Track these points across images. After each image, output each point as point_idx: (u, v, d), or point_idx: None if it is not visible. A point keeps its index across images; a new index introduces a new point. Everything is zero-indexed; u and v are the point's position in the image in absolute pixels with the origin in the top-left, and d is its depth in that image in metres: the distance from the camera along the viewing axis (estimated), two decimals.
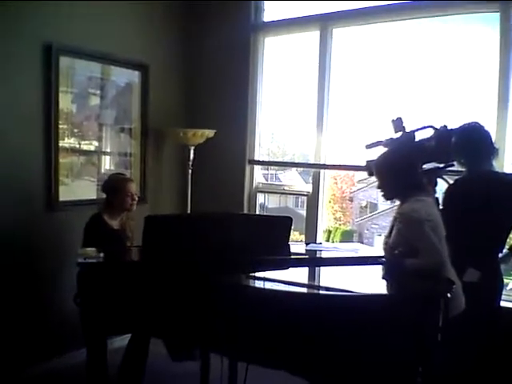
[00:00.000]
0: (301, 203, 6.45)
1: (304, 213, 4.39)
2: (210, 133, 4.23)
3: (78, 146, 3.83)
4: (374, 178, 2.76)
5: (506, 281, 2.97)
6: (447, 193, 2.88)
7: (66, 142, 3.73)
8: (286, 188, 4.89)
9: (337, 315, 2.02)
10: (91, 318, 2.76)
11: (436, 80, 3.70)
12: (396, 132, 2.93)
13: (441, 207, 2.78)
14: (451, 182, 2.93)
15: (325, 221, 4.45)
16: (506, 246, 2.91)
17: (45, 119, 3.53)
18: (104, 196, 3.38)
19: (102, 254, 2.78)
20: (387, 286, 2.62)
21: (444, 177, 2.95)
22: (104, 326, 2.68)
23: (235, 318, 2.17)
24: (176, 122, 4.46)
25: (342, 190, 8.70)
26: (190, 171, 4.34)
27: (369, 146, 3.04)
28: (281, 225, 2.98)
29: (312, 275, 2.82)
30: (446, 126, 2.87)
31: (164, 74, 4.42)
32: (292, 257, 3.00)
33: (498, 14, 3.30)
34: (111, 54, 3.92)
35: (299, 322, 2.05)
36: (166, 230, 2.73)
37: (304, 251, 3.17)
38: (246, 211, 4.37)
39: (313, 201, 4.16)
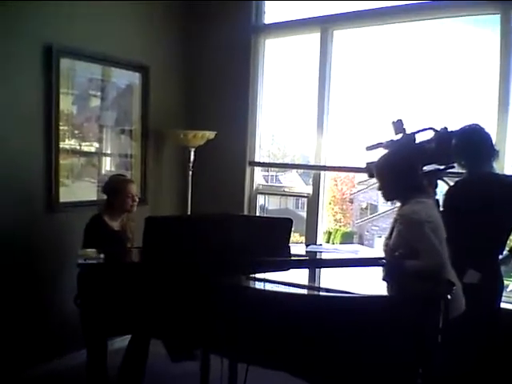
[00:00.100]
0: (301, 205, 6.45)
1: (304, 214, 4.39)
2: (210, 134, 4.23)
3: (78, 147, 3.83)
4: (374, 180, 2.76)
5: (506, 282, 2.97)
6: (447, 194, 2.88)
7: (67, 143, 3.73)
8: (286, 189, 4.89)
9: (337, 317, 2.02)
10: (91, 319, 2.76)
11: (436, 82, 3.70)
12: (396, 134, 2.93)
13: (441, 209, 2.78)
14: (451, 183, 2.93)
15: (325, 222, 4.45)
16: (506, 248, 2.91)
17: (45, 120, 3.54)
18: (104, 197, 3.38)
19: (102, 255, 2.78)
20: (387, 287, 2.62)
21: (444, 178, 2.96)
22: (104, 327, 2.68)
23: (235, 320, 2.17)
24: (176, 124, 4.46)
25: (342, 191, 8.69)
26: (190, 173, 4.34)
27: (369, 148, 3.05)
28: (281, 226, 2.99)
29: (312, 277, 2.82)
30: (446, 128, 2.88)
31: (165, 75, 4.42)
32: (292, 258, 3.00)
33: (498, 16, 3.30)
34: (112, 56, 3.93)
35: (299, 324, 2.05)
36: (167, 232, 2.73)
37: (304, 253, 3.17)
38: (246, 213, 4.37)
39: (313, 202, 4.16)
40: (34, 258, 3.50)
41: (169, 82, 4.49)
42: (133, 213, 3.39)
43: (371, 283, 2.57)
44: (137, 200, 3.39)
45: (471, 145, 2.82)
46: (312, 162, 4.22)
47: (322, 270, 2.88)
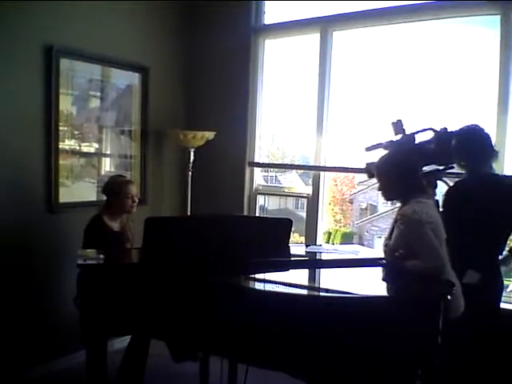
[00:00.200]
0: (301, 205, 6.44)
1: (304, 215, 4.39)
2: (210, 135, 4.23)
3: (78, 147, 3.83)
4: (374, 180, 2.77)
5: (505, 283, 2.98)
6: (447, 195, 2.88)
7: (67, 143, 3.73)
8: (286, 190, 4.90)
9: (336, 317, 2.02)
10: (91, 320, 2.75)
11: (436, 82, 3.70)
12: (396, 134, 2.94)
13: (441, 209, 2.78)
14: (451, 184, 2.93)
15: (325, 223, 4.45)
16: (506, 248, 2.91)
17: (45, 121, 3.53)
18: (104, 198, 3.38)
19: (101, 256, 2.77)
20: (387, 288, 2.62)
21: (444, 179, 2.96)
22: (104, 328, 2.67)
23: (235, 320, 2.17)
24: (176, 124, 4.47)
25: (342, 192, 8.71)
26: (190, 173, 4.34)
27: (369, 149, 3.05)
28: (281, 227, 2.99)
29: (312, 277, 2.82)
30: (446, 129, 2.88)
31: (164, 76, 4.42)
32: (292, 259, 3.00)
33: (498, 17, 3.30)
34: (111, 56, 3.92)
35: (298, 324, 2.05)
36: (166, 232, 2.73)
37: (304, 253, 3.17)
38: (246, 213, 4.37)
39: (313, 203, 4.16)
40: (34, 258, 3.50)
41: (168, 83, 4.49)
42: (132, 213, 3.39)
43: (371, 284, 2.57)
44: (136, 200, 3.39)
45: (471, 145, 2.82)
46: (312, 163, 4.22)
47: (322, 270, 2.88)
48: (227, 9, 4.35)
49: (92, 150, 3.96)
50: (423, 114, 3.60)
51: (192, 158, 4.30)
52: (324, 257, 3.17)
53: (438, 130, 2.89)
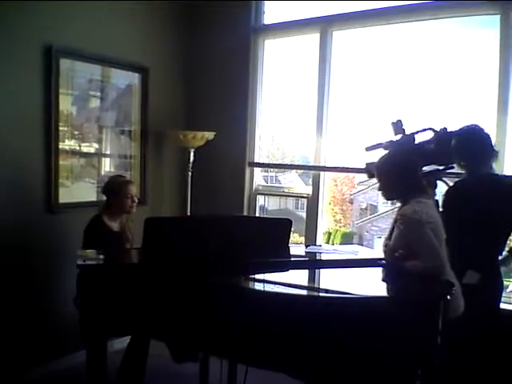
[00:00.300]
0: (301, 205, 6.44)
1: (304, 215, 4.39)
2: (209, 135, 4.23)
3: (78, 148, 3.83)
4: (374, 180, 2.77)
5: (505, 283, 2.98)
6: (447, 195, 2.88)
7: (67, 144, 3.73)
8: (286, 190, 4.88)
9: (336, 318, 2.02)
10: (91, 320, 2.75)
11: (436, 82, 3.70)
12: (396, 134, 2.94)
13: (440, 209, 2.78)
14: (451, 184, 2.93)
15: (325, 223, 4.45)
16: (506, 249, 2.91)
17: (45, 121, 3.53)
18: (104, 198, 3.38)
19: (101, 256, 2.77)
20: (387, 288, 2.62)
21: (444, 179, 2.96)
22: (104, 328, 2.67)
23: (234, 321, 2.17)
24: (176, 124, 4.47)
25: (342, 192, 8.70)
26: (189, 173, 4.34)
27: (369, 149, 3.05)
28: (281, 227, 2.99)
29: (312, 277, 2.82)
30: (445, 129, 2.88)
31: (164, 76, 4.42)
32: (292, 259, 3.00)
33: (497, 17, 3.30)
34: (111, 56, 3.92)
35: (298, 325, 2.05)
36: (166, 232, 2.73)
37: (304, 253, 3.17)
38: (246, 213, 4.37)
39: (313, 203, 4.16)
40: (34, 258, 3.50)
41: (168, 83, 4.49)
42: (132, 214, 3.39)
43: (371, 284, 2.57)
44: (136, 201, 3.39)
45: (471, 145, 2.82)
46: (312, 163, 4.22)
47: (322, 270, 2.88)
48: (227, 9, 4.35)
49: (92, 150, 3.95)
50: (423, 114, 3.60)
51: (192, 158, 4.30)
52: (324, 257, 3.17)
53: (438, 130, 2.89)
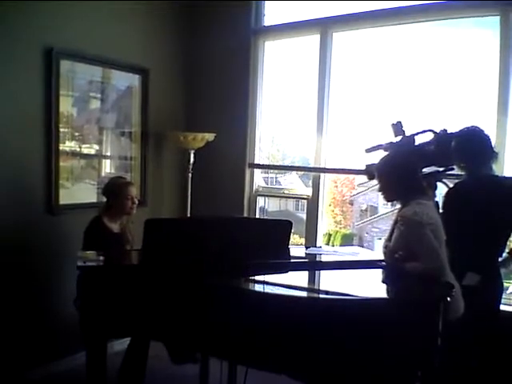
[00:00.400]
0: (301, 206, 6.44)
1: (304, 216, 4.39)
2: (210, 136, 4.23)
3: (78, 149, 3.83)
4: (374, 182, 2.77)
5: (505, 285, 2.97)
6: (447, 196, 2.88)
7: (67, 145, 3.73)
8: (286, 191, 4.89)
9: (336, 319, 2.02)
10: (91, 322, 2.75)
11: (436, 84, 3.70)
12: (396, 136, 2.94)
13: (440, 211, 2.78)
14: (451, 185, 2.93)
15: (325, 224, 4.45)
16: (506, 250, 2.91)
17: (45, 123, 3.54)
18: (104, 199, 3.39)
19: (101, 258, 2.78)
20: (387, 289, 2.62)
21: (444, 180, 2.96)
22: (104, 330, 2.67)
23: (234, 322, 2.17)
24: (176, 126, 4.47)
25: (342, 193, 8.69)
26: (190, 175, 4.34)
27: (369, 150, 3.05)
28: (281, 228, 2.99)
29: (312, 279, 2.82)
30: (445, 130, 2.88)
31: (164, 77, 4.43)
32: (292, 260, 3.00)
33: (497, 18, 3.30)
34: (112, 58, 3.92)
35: (298, 326, 2.05)
36: (166, 234, 2.73)
37: (304, 255, 3.17)
38: (246, 215, 4.37)
39: (313, 204, 4.16)
40: (34, 259, 3.50)
41: (168, 84, 4.50)
42: (132, 215, 3.39)
43: (371, 285, 2.57)
44: (136, 202, 3.39)
45: (471, 147, 2.82)
46: (312, 164, 4.22)
47: (322, 272, 2.88)
48: (227, 10, 4.35)
49: (92, 152, 3.96)
50: (423, 116, 3.60)
51: (192, 159, 4.30)
52: (324, 259, 3.17)
53: (438, 131, 2.89)
